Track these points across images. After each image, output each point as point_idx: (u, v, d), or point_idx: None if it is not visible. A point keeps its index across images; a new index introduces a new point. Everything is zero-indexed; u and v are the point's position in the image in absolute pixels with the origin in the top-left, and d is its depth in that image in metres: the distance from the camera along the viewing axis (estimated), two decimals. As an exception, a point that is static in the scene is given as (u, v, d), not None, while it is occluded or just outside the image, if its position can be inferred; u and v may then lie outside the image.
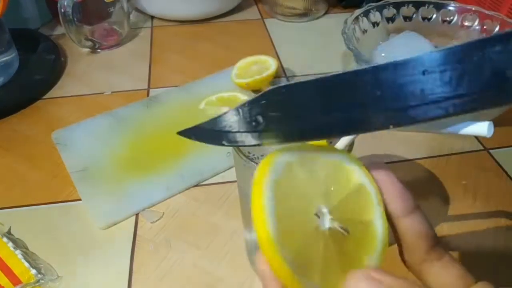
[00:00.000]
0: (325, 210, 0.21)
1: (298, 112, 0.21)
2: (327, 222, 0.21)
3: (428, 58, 0.18)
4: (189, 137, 0.25)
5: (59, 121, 0.59)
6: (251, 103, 0.22)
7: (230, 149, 0.36)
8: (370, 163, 0.23)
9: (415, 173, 0.52)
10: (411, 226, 0.22)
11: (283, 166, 0.21)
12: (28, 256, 0.43)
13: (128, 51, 0.76)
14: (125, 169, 0.52)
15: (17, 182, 0.51)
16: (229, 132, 0.23)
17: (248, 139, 0.22)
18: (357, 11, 0.65)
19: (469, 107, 0.18)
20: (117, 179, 0.50)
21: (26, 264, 0.41)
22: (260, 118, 0.22)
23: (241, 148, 0.35)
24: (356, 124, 0.20)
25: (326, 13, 0.87)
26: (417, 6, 0.67)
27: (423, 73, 0.18)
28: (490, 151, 0.55)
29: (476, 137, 0.57)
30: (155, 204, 0.48)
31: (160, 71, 0.70)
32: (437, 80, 0.18)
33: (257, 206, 0.20)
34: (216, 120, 0.23)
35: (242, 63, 0.65)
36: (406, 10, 0.67)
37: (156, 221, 0.47)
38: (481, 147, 0.56)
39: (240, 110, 0.22)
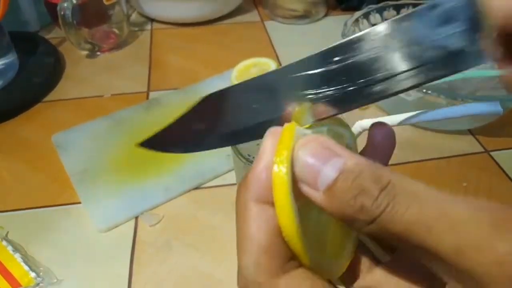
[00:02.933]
0: None
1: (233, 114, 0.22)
2: None
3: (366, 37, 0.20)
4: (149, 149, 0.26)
5: (58, 124, 0.59)
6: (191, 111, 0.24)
7: (229, 151, 0.36)
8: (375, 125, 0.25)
9: (416, 175, 0.52)
10: None
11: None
12: (28, 259, 0.42)
13: (128, 54, 0.76)
14: (125, 172, 0.51)
15: (16, 185, 0.51)
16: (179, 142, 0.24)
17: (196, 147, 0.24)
18: (357, 13, 0.65)
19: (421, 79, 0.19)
20: (117, 182, 0.50)
21: (26, 267, 0.41)
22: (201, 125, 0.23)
23: (240, 150, 0.35)
24: None
25: (326, 15, 0.87)
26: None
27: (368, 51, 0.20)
28: (491, 153, 0.55)
29: (477, 139, 0.57)
30: (155, 207, 0.48)
31: (159, 74, 0.70)
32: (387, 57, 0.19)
33: (279, 181, 0.20)
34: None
35: (242, 65, 0.65)
36: (406, 12, 0.67)
37: (156, 224, 0.46)
38: (482, 149, 0.56)
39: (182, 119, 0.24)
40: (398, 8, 0.67)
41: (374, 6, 0.66)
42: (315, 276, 0.20)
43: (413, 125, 0.58)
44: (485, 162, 0.54)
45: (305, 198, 0.20)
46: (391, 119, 0.24)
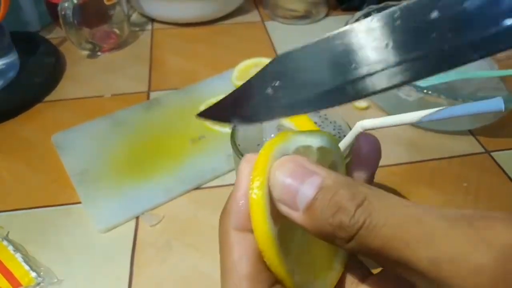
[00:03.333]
0: None
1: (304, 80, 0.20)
2: None
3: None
4: (208, 118, 0.23)
5: (59, 124, 0.59)
6: (260, 74, 0.21)
7: (230, 151, 0.36)
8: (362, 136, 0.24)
9: (417, 176, 0.51)
10: None
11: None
12: (28, 259, 0.42)
13: (128, 54, 0.76)
14: (125, 172, 0.51)
15: (17, 185, 0.51)
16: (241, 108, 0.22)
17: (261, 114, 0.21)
18: (358, 14, 0.65)
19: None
20: (117, 182, 0.50)
21: (26, 267, 0.41)
22: (269, 90, 0.21)
23: (241, 150, 0.35)
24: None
25: (326, 15, 0.87)
26: (418, 8, 0.67)
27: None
28: (491, 153, 0.55)
29: (477, 140, 0.57)
30: (155, 207, 0.48)
31: (160, 74, 0.70)
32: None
33: (256, 206, 0.20)
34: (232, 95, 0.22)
35: (243, 65, 0.65)
36: (406, 13, 0.67)
37: (156, 224, 0.46)
38: (483, 150, 0.56)
39: (251, 83, 0.22)
40: (398, 8, 0.67)
41: (374, 6, 0.66)
42: None
43: (414, 125, 0.58)
44: (486, 163, 0.54)
45: (286, 220, 0.20)
46: (404, 118, 0.24)
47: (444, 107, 0.20)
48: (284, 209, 0.19)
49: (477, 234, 0.16)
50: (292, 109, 0.20)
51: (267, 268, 0.20)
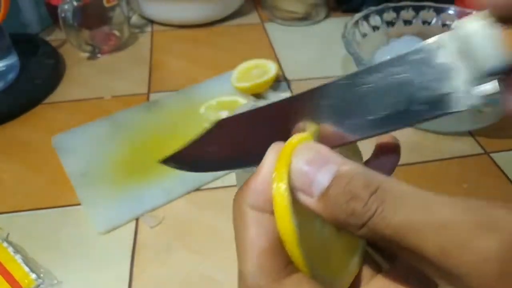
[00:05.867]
0: None
1: None
2: None
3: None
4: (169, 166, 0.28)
5: (59, 126, 0.59)
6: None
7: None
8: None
9: (418, 177, 0.51)
10: None
11: None
12: (28, 260, 0.42)
13: (128, 56, 0.76)
14: (125, 173, 0.51)
15: (17, 187, 0.51)
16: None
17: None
18: (357, 15, 0.65)
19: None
20: (117, 184, 0.50)
21: (26, 268, 0.41)
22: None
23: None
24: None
25: (326, 17, 0.87)
26: (417, 10, 0.67)
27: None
28: (491, 154, 0.55)
29: (477, 141, 0.57)
30: (155, 209, 0.48)
31: (160, 76, 0.70)
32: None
33: (279, 197, 0.20)
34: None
35: (242, 67, 0.65)
36: (406, 14, 0.68)
37: (156, 225, 0.46)
38: (482, 151, 0.56)
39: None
40: (397, 10, 0.67)
41: (374, 8, 0.67)
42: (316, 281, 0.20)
43: (414, 127, 0.58)
44: (485, 164, 0.54)
45: (305, 213, 0.20)
46: None
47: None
48: (302, 197, 0.20)
49: (486, 224, 0.16)
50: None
51: (284, 247, 0.20)
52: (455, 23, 0.18)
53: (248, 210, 0.20)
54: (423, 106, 0.19)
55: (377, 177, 0.18)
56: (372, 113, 0.21)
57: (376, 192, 0.18)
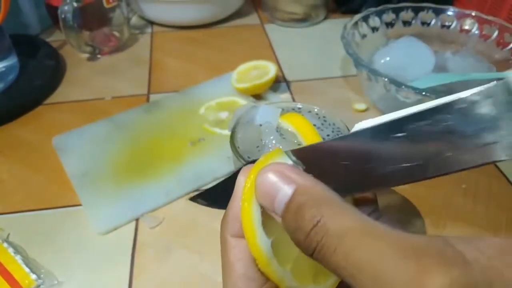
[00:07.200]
0: None
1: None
2: None
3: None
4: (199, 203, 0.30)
5: (59, 127, 0.59)
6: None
7: (230, 153, 0.36)
8: None
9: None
10: None
11: None
12: (29, 261, 0.42)
13: (128, 57, 0.76)
14: (125, 174, 0.52)
15: (17, 187, 0.51)
16: None
17: None
18: (357, 16, 0.65)
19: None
20: (117, 184, 0.50)
21: (27, 269, 0.41)
22: None
23: (240, 152, 0.35)
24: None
25: (325, 18, 0.87)
26: (417, 11, 0.67)
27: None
28: (490, 155, 0.55)
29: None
30: (155, 209, 0.48)
31: (160, 76, 0.71)
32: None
33: (245, 216, 0.21)
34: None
35: (242, 68, 0.65)
36: (405, 15, 0.68)
37: (156, 226, 0.47)
38: (481, 151, 0.56)
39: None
40: (397, 11, 0.67)
41: (373, 9, 0.67)
42: None
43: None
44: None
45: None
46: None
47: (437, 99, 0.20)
48: (272, 213, 0.20)
49: (420, 275, 0.15)
50: None
51: (259, 269, 0.21)
52: (506, 73, 0.18)
53: (228, 237, 0.23)
54: (467, 155, 0.19)
55: (325, 207, 0.18)
56: (411, 160, 0.20)
57: (317, 225, 0.18)
